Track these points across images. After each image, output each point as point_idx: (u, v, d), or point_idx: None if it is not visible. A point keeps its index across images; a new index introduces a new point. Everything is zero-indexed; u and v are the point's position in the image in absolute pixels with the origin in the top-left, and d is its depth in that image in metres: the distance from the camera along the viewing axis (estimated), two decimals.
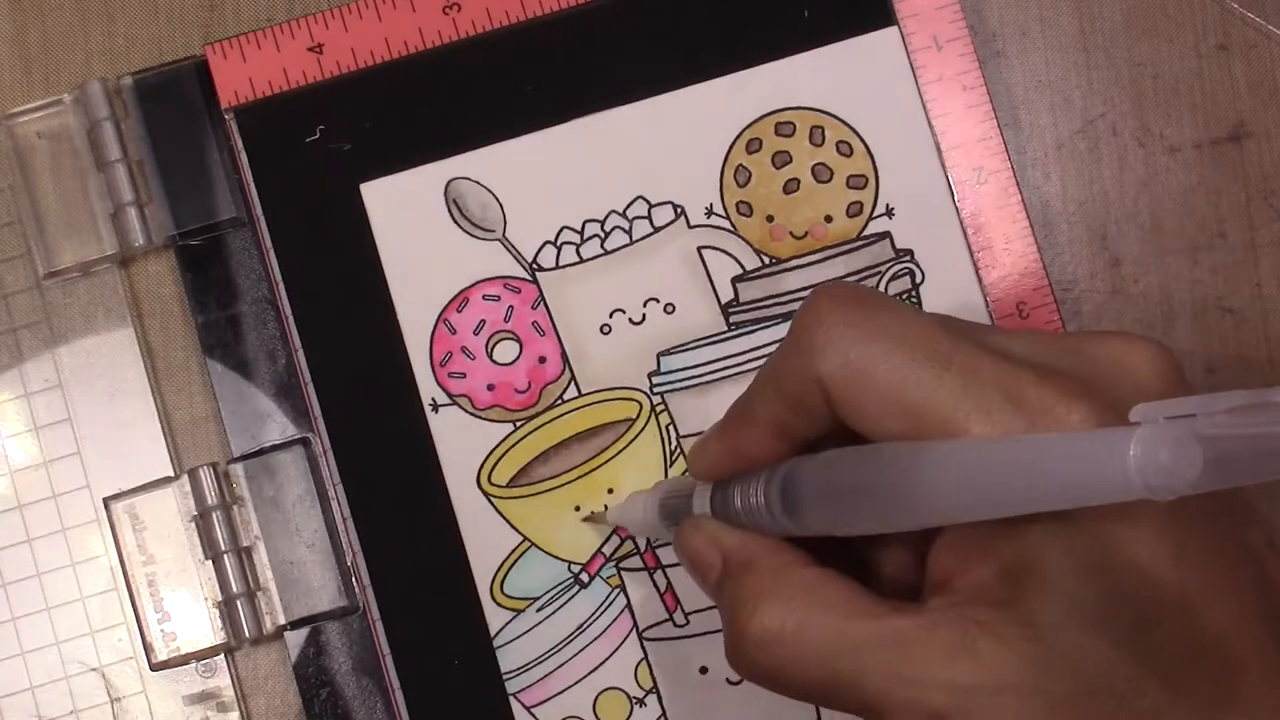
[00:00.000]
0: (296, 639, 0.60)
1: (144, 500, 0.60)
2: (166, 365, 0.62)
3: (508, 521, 0.60)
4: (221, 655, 0.60)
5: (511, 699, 0.60)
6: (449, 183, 0.61)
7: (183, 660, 0.60)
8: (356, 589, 0.60)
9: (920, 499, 0.40)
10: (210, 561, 0.60)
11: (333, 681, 0.60)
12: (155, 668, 0.60)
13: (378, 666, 0.60)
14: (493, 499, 0.60)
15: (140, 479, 0.60)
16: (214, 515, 0.59)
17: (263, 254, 0.61)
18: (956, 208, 0.60)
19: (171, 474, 0.60)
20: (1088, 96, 0.62)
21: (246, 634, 0.59)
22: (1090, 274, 0.62)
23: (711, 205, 0.61)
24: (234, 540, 0.60)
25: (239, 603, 0.59)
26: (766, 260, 0.61)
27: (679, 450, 0.60)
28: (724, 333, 0.61)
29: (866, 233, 0.61)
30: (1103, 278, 0.61)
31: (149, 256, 0.62)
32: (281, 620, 0.60)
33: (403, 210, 0.61)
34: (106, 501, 0.60)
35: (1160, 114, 0.62)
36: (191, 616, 0.60)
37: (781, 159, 0.61)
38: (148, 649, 0.60)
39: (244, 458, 0.60)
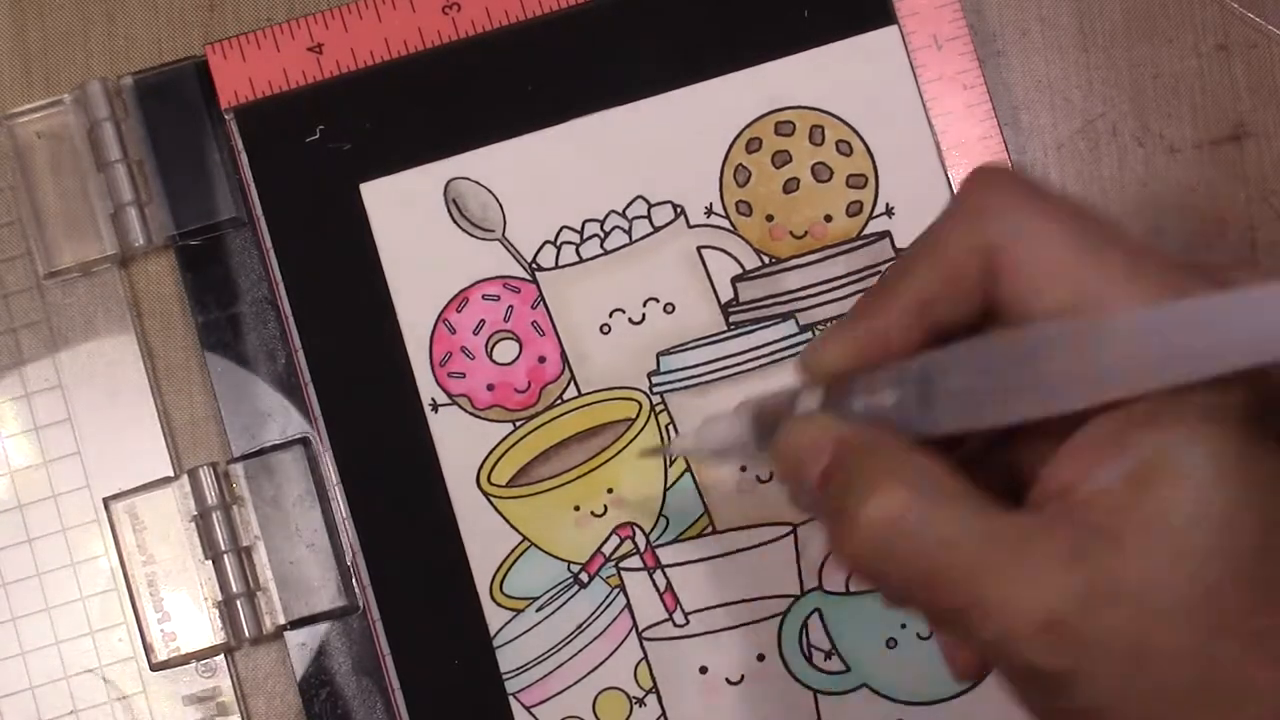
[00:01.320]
0: (296, 639, 0.60)
1: (144, 500, 0.60)
2: (166, 365, 0.62)
3: (507, 521, 0.60)
4: (221, 655, 0.60)
5: (511, 699, 0.60)
6: (449, 183, 0.61)
7: (183, 660, 0.60)
8: (356, 589, 0.60)
9: (1102, 367, 0.39)
10: (210, 561, 0.60)
11: (332, 681, 0.60)
12: (155, 668, 0.60)
13: (377, 666, 0.60)
14: (492, 499, 0.60)
15: (140, 479, 0.61)
16: (214, 515, 0.59)
17: (263, 254, 0.61)
18: None
19: (171, 474, 0.61)
20: (1088, 96, 0.62)
21: (246, 634, 0.59)
22: None
23: (711, 205, 0.61)
24: (234, 540, 0.60)
25: (239, 602, 0.59)
26: (766, 260, 0.61)
27: None
28: (724, 332, 0.61)
29: (866, 232, 0.61)
30: None
31: (149, 256, 0.62)
32: (281, 620, 0.60)
33: (402, 210, 0.61)
34: (106, 501, 0.60)
35: (1160, 114, 0.62)
36: (191, 616, 0.60)
37: (781, 158, 0.61)
38: (148, 649, 0.60)
39: (244, 457, 0.61)
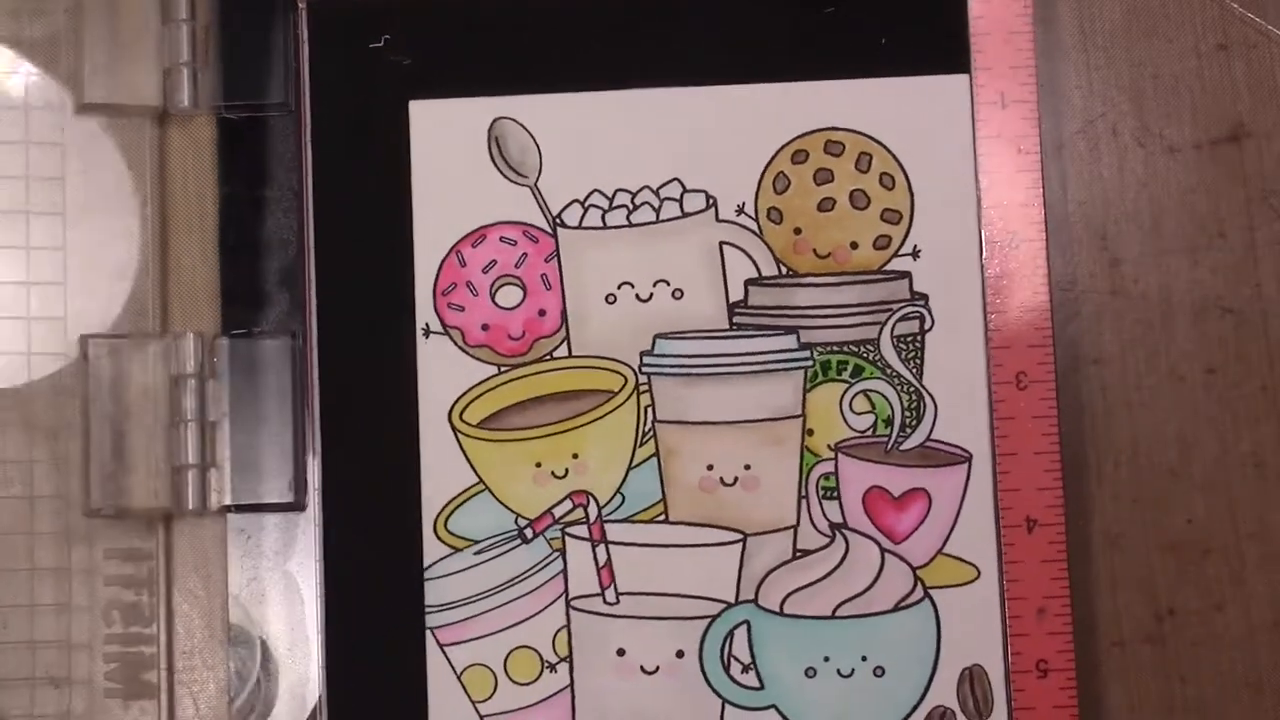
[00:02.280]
0: (238, 523, 0.60)
1: (124, 347, 0.60)
2: (179, 228, 0.62)
3: (468, 461, 0.60)
4: (160, 521, 0.60)
5: (428, 632, 0.60)
6: (495, 120, 0.61)
7: (120, 514, 0.60)
8: (307, 489, 0.60)
9: None
10: (174, 427, 0.60)
11: (261, 574, 0.61)
12: (90, 514, 0.60)
13: (308, 569, 0.60)
14: (460, 435, 0.60)
15: (127, 328, 0.61)
16: (189, 382, 0.60)
17: (300, 145, 0.61)
18: (982, 267, 0.60)
19: (159, 332, 0.61)
20: (1088, 97, 0.62)
21: (190, 505, 0.59)
22: (1090, 274, 0.61)
23: (744, 204, 0.61)
24: (201, 411, 0.60)
25: (190, 473, 0.59)
26: (784, 270, 0.61)
27: (651, 434, 0.60)
28: (725, 331, 0.61)
29: (888, 268, 0.61)
30: (1102, 278, 0.61)
31: (189, 120, 0.62)
32: (228, 500, 0.60)
33: (445, 135, 0.61)
34: (86, 339, 0.60)
35: (1160, 114, 0.62)
36: (140, 473, 0.60)
37: (823, 176, 0.61)
38: (87, 491, 0.59)
39: (232, 335, 0.61)
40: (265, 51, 0.61)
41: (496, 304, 0.61)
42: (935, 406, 0.60)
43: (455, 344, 0.61)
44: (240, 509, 0.60)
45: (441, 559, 0.60)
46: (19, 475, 0.60)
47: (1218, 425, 0.62)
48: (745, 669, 0.60)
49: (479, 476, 0.60)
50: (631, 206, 0.61)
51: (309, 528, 0.60)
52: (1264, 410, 0.62)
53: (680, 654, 0.60)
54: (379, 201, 0.61)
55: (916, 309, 0.60)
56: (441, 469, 0.60)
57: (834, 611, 0.60)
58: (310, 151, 0.61)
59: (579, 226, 0.61)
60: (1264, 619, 0.61)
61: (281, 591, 0.61)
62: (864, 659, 0.59)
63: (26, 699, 0.60)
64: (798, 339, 0.60)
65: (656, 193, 0.61)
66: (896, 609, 0.60)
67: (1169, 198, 0.62)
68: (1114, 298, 0.61)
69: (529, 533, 0.60)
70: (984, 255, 0.60)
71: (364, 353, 0.60)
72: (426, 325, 0.61)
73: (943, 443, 0.60)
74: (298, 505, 0.60)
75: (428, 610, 0.60)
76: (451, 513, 0.60)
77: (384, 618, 0.60)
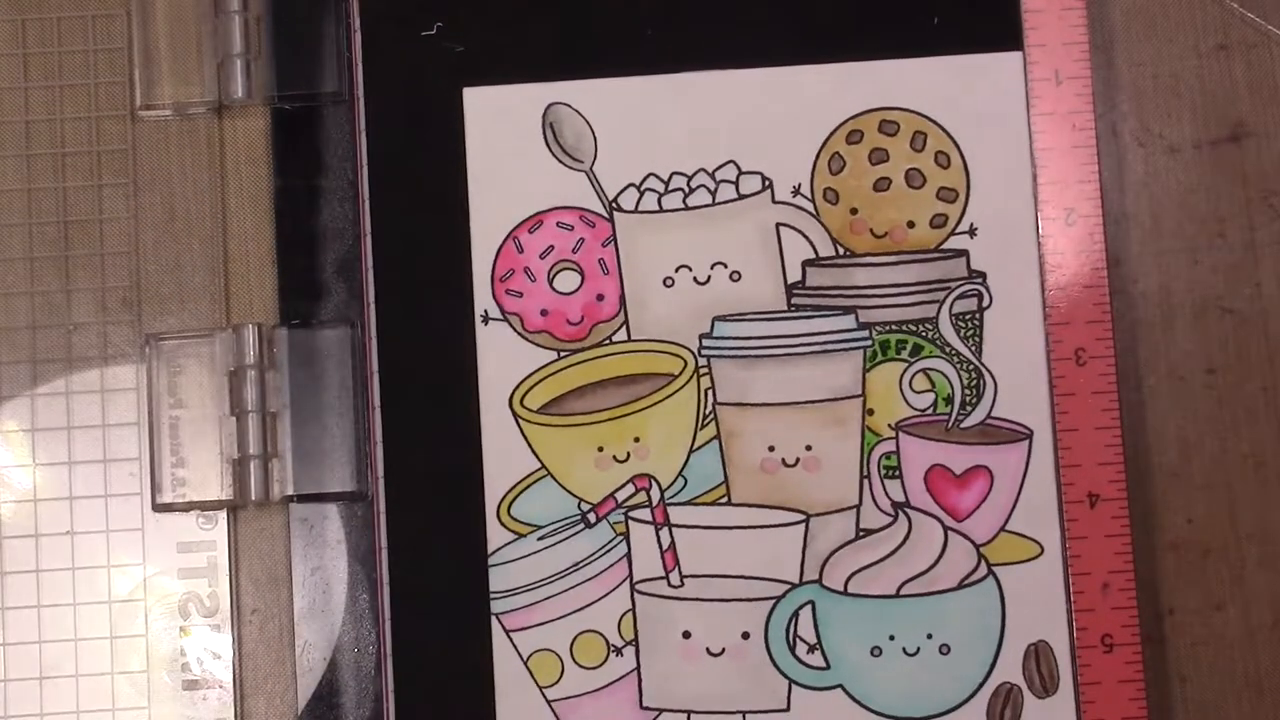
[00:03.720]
0: (300, 513, 0.61)
1: (186, 345, 0.60)
2: (237, 221, 0.62)
3: (530, 447, 0.60)
4: (224, 512, 0.60)
5: (494, 618, 0.60)
6: (549, 106, 0.61)
7: (186, 507, 0.60)
8: (370, 478, 0.60)
9: None
10: (234, 418, 0.60)
11: (325, 563, 0.61)
12: (158, 509, 0.60)
13: (372, 557, 0.60)
14: (521, 421, 0.60)
15: (188, 324, 0.61)
16: (249, 373, 0.60)
17: (354, 134, 0.61)
18: (1039, 243, 0.60)
19: (219, 325, 0.61)
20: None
21: (253, 495, 0.60)
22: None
23: (800, 186, 0.61)
24: (262, 402, 0.60)
25: (252, 464, 0.60)
26: (841, 251, 0.61)
27: (712, 416, 0.60)
28: (783, 312, 0.61)
29: (945, 246, 0.61)
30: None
31: (244, 111, 0.62)
32: (290, 490, 0.60)
33: (499, 122, 0.61)
34: (149, 337, 0.61)
35: (1160, 114, 0.62)
36: (204, 467, 0.60)
37: (878, 156, 0.61)
38: (155, 489, 0.60)
39: (291, 326, 0.61)
40: (318, 41, 0.61)
41: (555, 289, 0.61)
42: (995, 384, 0.60)
43: (514, 330, 0.61)
44: (303, 499, 0.60)
45: (505, 545, 0.60)
46: (92, 474, 0.61)
47: (1218, 425, 0.62)
48: (811, 649, 0.60)
49: (541, 462, 0.60)
50: (687, 189, 0.61)
51: (372, 516, 0.60)
52: (1264, 410, 0.62)
53: (746, 635, 0.60)
54: (434, 189, 0.61)
55: (975, 287, 0.60)
56: (503, 455, 0.60)
57: (898, 590, 0.60)
58: (365, 140, 0.61)
59: (635, 210, 0.61)
60: (1264, 619, 0.61)
61: (345, 581, 0.61)
62: (929, 637, 0.59)
63: (107, 693, 0.60)
64: (856, 319, 0.60)
65: (712, 175, 0.61)
66: (961, 586, 0.60)
67: (1169, 198, 0.62)
68: (1114, 297, 0.61)
69: (592, 517, 0.60)
70: (1041, 233, 0.60)
71: (423, 339, 0.60)
72: (485, 312, 0.61)
73: (1003, 420, 0.60)
74: (361, 494, 0.60)
75: (493, 596, 0.60)
76: (515, 499, 0.60)
77: (449, 604, 0.60)
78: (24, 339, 0.61)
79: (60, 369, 0.61)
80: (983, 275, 0.60)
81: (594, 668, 0.60)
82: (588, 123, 0.61)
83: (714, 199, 0.61)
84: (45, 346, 0.61)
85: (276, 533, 0.61)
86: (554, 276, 0.61)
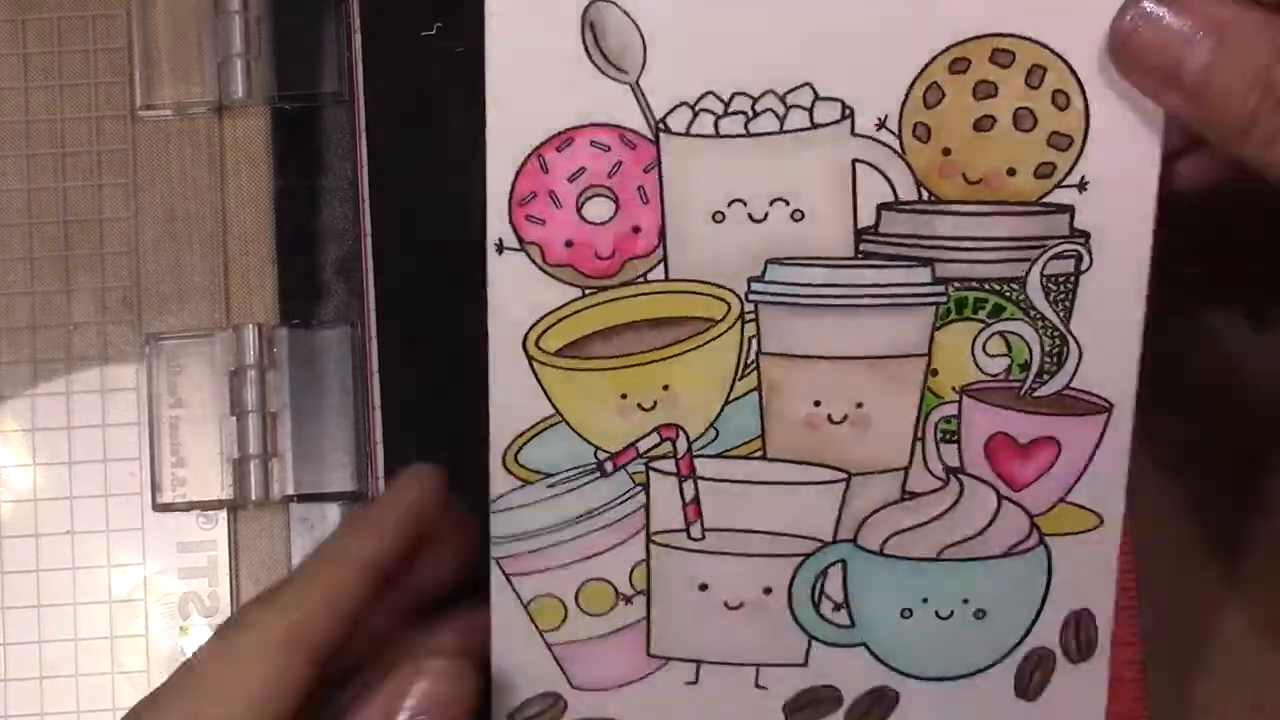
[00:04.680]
0: (301, 513, 0.60)
1: (186, 345, 0.60)
2: (237, 220, 0.61)
3: (544, 391, 0.53)
4: (225, 511, 0.60)
5: (493, 562, 0.54)
6: (591, 3, 0.50)
7: (186, 507, 0.60)
8: (370, 477, 0.57)
9: None
10: (235, 418, 0.60)
11: None
12: (158, 508, 0.60)
13: None
14: (535, 363, 0.53)
15: (188, 324, 0.61)
16: (249, 373, 0.60)
17: (354, 134, 0.58)
18: (1159, 207, 0.51)
19: (219, 325, 0.60)
20: None
21: (253, 496, 0.60)
22: None
23: (885, 118, 0.51)
24: (262, 402, 0.59)
25: (253, 463, 0.60)
26: (925, 195, 0.51)
27: (754, 366, 0.53)
28: (850, 259, 0.52)
29: (1047, 200, 0.52)
30: None
31: (244, 111, 0.62)
32: (290, 490, 0.60)
33: (529, 20, 0.50)
34: (149, 337, 0.61)
35: None
36: (204, 467, 0.60)
37: (984, 90, 0.51)
38: (155, 488, 0.60)
39: (291, 325, 0.60)
40: (318, 41, 0.61)
41: (583, 218, 0.52)
42: (1080, 352, 0.53)
43: (533, 261, 0.52)
44: (303, 499, 0.59)
45: (510, 491, 0.54)
46: (93, 474, 0.61)
47: None
48: (837, 607, 0.55)
49: (555, 408, 0.53)
50: (751, 113, 0.51)
51: None
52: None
53: (768, 590, 0.55)
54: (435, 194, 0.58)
55: (1074, 248, 0.52)
56: (513, 399, 0.53)
57: (939, 554, 0.55)
58: (365, 140, 0.57)
59: (686, 133, 0.51)
60: (1264, 619, 0.60)
61: None
62: (965, 601, 0.55)
63: (108, 693, 0.60)
64: (932, 272, 0.52)
65: (782, 99, 0.51)
66: (1008, 554, 0.55)
67: None
68: None
69: (609, 466, 0.54)
70: (1160, 194, 0.51)
71: (425, 321, 0.58)
72: (500, 240, 0.51)
73: (1083, 391, 0.53)
74: (361, 494, 0.58)
75: (494, 541, 0.54)
76: (523, 445, 0.53)
77: None
78: (24, 339, 0.61)
79: (60, 369, 0.61)
80: (1086, 235, 0.52)
81: (600, 615, 0.56)
82: (636, 26, 0.50)
83: (782, 126, 0.51)
84: (45, 346, 0.61)
85: (277, 532, 0.60)
86: (583, 203, 0.51)
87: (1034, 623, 0.56)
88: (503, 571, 0.55)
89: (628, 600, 0.55)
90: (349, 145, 0.59)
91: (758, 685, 0.56)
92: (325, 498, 0.60)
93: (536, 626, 0.55)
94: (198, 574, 0.60)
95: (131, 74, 0.61)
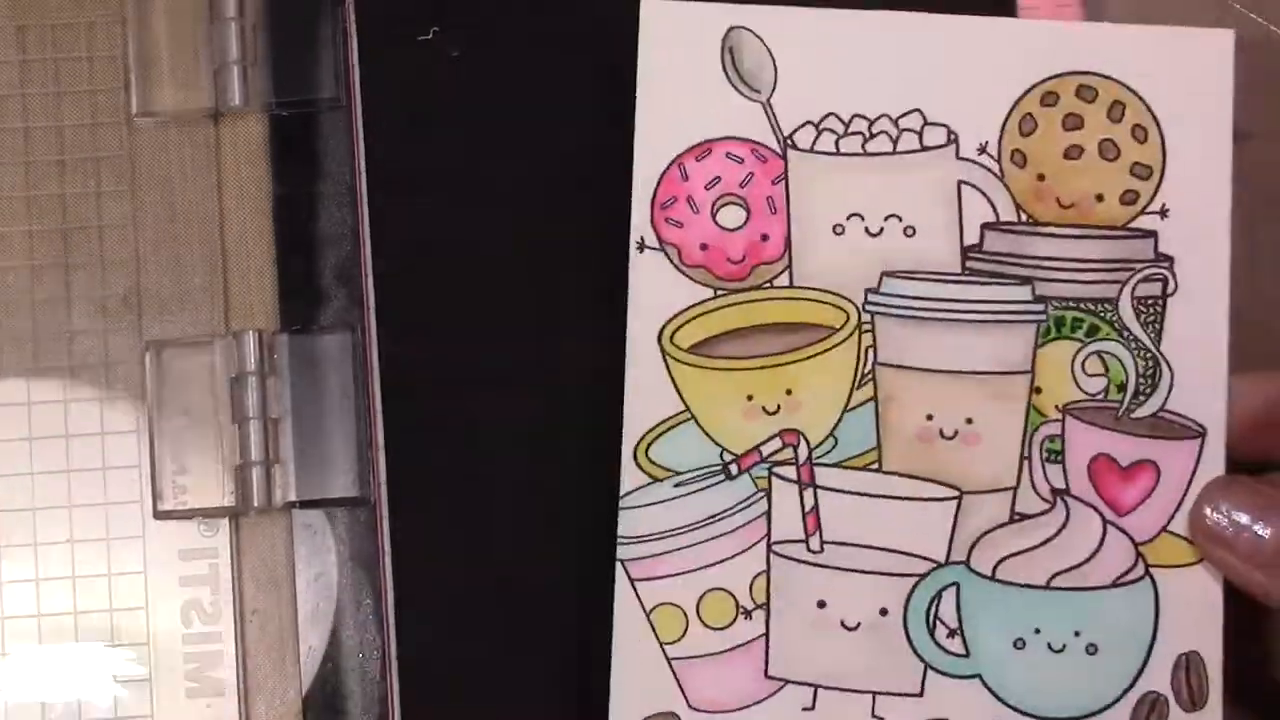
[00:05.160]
0: (303, 519, 0.59)
1: (186, 351, 0.60)
2: (236, 227, 0.61)
3: (675, 388, 0.56)
4: (226, 519, 0.60)
5: (618, 564, 0.56)
6: (731, 29, 0.57)
7: (187, 514, 0.59)
8: (372, 483, 0.58)
9: None
10: (236, 425, 0.59)
11: (327, 569, 0.59)
12: (159, 516, 0.59)
13: (375, 562, 0.58)
14: (669, 359, 0.56)
15: (188, 331, 0.60)
16: (250, 380, 0.59)
17: (352, 139, 0.60)
18: (1233, 233, 0.57)
19: (218, 331, 0.60)
20: None
21: (255, 502, 0.59)
22: None
23: (986, 144, 0.57)
24: (263, 409, 0.59)
25: (254, 470, 0.59)
26: (1024, 217, 0.57)
27: (870, 376, 0.57)
28: (957, 275, 0.57)
29: (1134, 225, 0.57)
30: None
31: (241, 118, 0.61)
32: (292, 497, 0.59)
33: (677, 40, 0.57)
34: (149, 344, 0.60)
35: None
36: (205, 475, 0.59)
37: (1073, 122, 0.57)
38: (156, 496, 0.59)
39: (292, 331, 0.60)
40: (314, 47, 0.61)
41: (718, 224, 0.57)
42: (1172, 375, 0.57)
43: (671, 261, 0.57)
44: (305, 505, 0.59)
45: (639, 488, 0.56)
46: (93, 481, 0.60)
47: None
48: (951, 634, 0.56)
49: (685, 405, 0.56)
50: (868, 135, 0.57)
51: (375, 521, 0.59)
52: None
53: (884, 612, 0.56)
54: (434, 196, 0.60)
55: (1160, 271, 0.57)
56: (647, 393, 0.56)
57: (1049, 582, 0.56)
58: (363, 146, 0.59)
59: (811, 150, 0.57)
60: None
61: (349, 586, 0.59)
62: (1077, 634, 0.56)
63: (110, 700, 0.59)
64: (1033, 291, 0.57)
65: (895, 122, 0.57)
66: (1115, 584, 0.56)
67: None
68: None
69: (734, 468, 0.56)
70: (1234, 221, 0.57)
71: (426, 337, 0.59)
72: (641, 239, 0.57)
73: (1177, 414, 0.57)
74: (363, 500, 0.59)
75: (620, 541, 0.56)
76: (654, 440, 0.56)
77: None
78: (24, 345, 0.60)
79: (60, 376, 0.60)
80: (1170, 259, 0.57)
81: (720, 629, 0.56)
82: (769, 51, 0.57)
83: (895, 147, 0.57)
84: (45, 353, 0.60)
85: (279, 538, 0.60)
86: (718, 210, 0.57)
87: (1145, 662, 0.56)
88: (628, 575, 0.56)
89: (748, 615, 0.56)
90: (347, 151, 0.60)
91: (874, 715, 0.56)
92: (327, 503, 0.59)
93: (657, 638, 0.56)
94: (200, 581, 0.59)
95: (128, 81, 0.61)
